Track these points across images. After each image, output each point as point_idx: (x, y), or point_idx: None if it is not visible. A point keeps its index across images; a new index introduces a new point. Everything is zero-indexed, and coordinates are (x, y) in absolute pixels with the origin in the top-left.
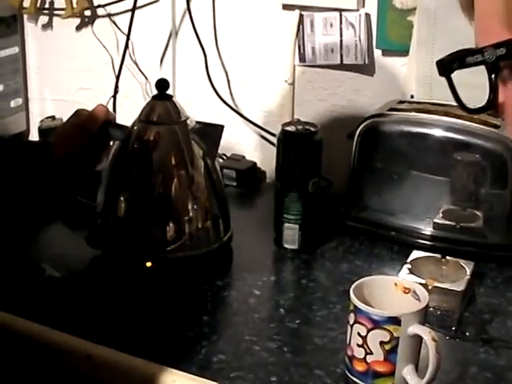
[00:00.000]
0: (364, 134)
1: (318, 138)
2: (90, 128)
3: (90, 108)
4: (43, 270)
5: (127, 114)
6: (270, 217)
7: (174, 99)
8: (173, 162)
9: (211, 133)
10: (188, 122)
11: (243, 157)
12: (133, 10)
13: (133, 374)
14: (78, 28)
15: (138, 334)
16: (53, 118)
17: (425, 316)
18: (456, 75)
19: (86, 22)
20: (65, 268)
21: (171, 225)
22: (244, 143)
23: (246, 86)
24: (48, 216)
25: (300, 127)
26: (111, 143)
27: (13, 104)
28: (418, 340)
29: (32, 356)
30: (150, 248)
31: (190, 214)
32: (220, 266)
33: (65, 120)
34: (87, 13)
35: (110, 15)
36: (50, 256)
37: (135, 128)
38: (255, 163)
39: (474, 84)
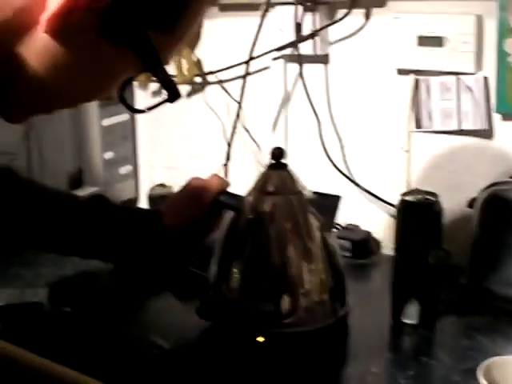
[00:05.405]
0: (486, 203)
1: (439, 208)
2: (203, 199)
3: (200, 176)
4: (153, 343)
5: (238, 183)
6: (387, 289)
7: (289, 168)
8: (288, 233)
9: (328, 203)
10: (304, 192)
11: (358, 226)
12: (244, 76)
13: None
14: (189, 95)
15: None
16: (163, 185)
17: None
18: None
19: (196, 89)
20: (174, 340)
21: (286, 298)
22: (358, 212)
23: (361, 154)
24: (158, 286)
25: (420, 197)
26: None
27: (122, 171)
28: None
29: None
30: (263, 322)
31: (306, 287)
32: (336, 342)
33: (175, 187)
34: (198, 79)
35: (221, 82)
36: (159, 327)
37: (250, 198)
38: (370, 233)
39: None
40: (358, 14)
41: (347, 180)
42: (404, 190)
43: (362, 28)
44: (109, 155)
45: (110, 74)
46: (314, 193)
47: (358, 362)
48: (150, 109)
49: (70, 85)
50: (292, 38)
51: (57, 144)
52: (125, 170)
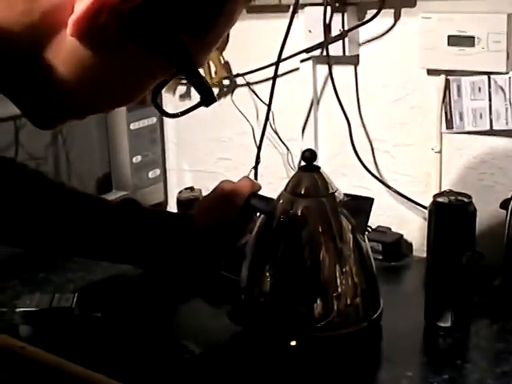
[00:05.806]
0: None
1: (472, 210)
2: (235, 202)
3: (230, 179)
4: (184, 348)
5: (268, 185)
6: (419, 292)
7: (321, 170)
8: (321, 235)
9: (361, 206)
10: (336, 194)
11: (389, 229)
12: (273, 78)
13: None
14: (217, 97)
15: None
16: (191, 188)
17: None
18: None
19: (225, 92)
20: (205, 344)
21: (319, 301)
22: (389, 214)
23: (391, 155)
24: (189, 290)
25: (452, 198)
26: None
27: (151, 175)
28: None
29: None
30: (295, 326)
31: (339, 290)
32: (369, 345)
33: (204, 191)
34: (226, 82)
35: (249, 84)
36: (190, 331)
37: (281, 201)
38: (402, 235)
39: None
40: (387, 15)
41: (378, 182)
42: (436, 192)
43: (391, 28)
44: (137, 159)
45: (140, 79)
46: (347, 195)
47: (393, 365)
48: (184, 113)
49: (99, 89)
50: (321, 39)
51: (84, 148)
52: (153, 173)
